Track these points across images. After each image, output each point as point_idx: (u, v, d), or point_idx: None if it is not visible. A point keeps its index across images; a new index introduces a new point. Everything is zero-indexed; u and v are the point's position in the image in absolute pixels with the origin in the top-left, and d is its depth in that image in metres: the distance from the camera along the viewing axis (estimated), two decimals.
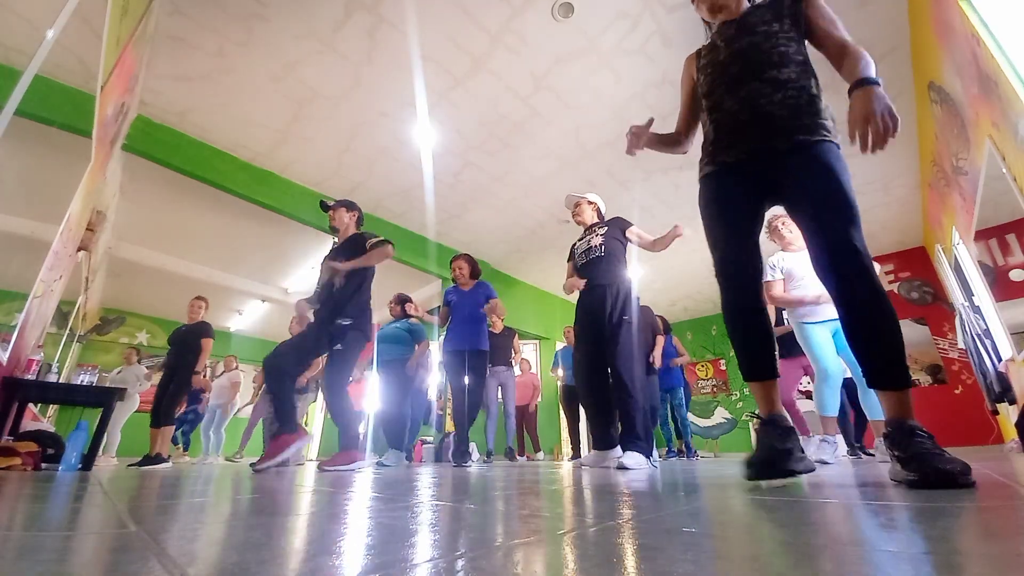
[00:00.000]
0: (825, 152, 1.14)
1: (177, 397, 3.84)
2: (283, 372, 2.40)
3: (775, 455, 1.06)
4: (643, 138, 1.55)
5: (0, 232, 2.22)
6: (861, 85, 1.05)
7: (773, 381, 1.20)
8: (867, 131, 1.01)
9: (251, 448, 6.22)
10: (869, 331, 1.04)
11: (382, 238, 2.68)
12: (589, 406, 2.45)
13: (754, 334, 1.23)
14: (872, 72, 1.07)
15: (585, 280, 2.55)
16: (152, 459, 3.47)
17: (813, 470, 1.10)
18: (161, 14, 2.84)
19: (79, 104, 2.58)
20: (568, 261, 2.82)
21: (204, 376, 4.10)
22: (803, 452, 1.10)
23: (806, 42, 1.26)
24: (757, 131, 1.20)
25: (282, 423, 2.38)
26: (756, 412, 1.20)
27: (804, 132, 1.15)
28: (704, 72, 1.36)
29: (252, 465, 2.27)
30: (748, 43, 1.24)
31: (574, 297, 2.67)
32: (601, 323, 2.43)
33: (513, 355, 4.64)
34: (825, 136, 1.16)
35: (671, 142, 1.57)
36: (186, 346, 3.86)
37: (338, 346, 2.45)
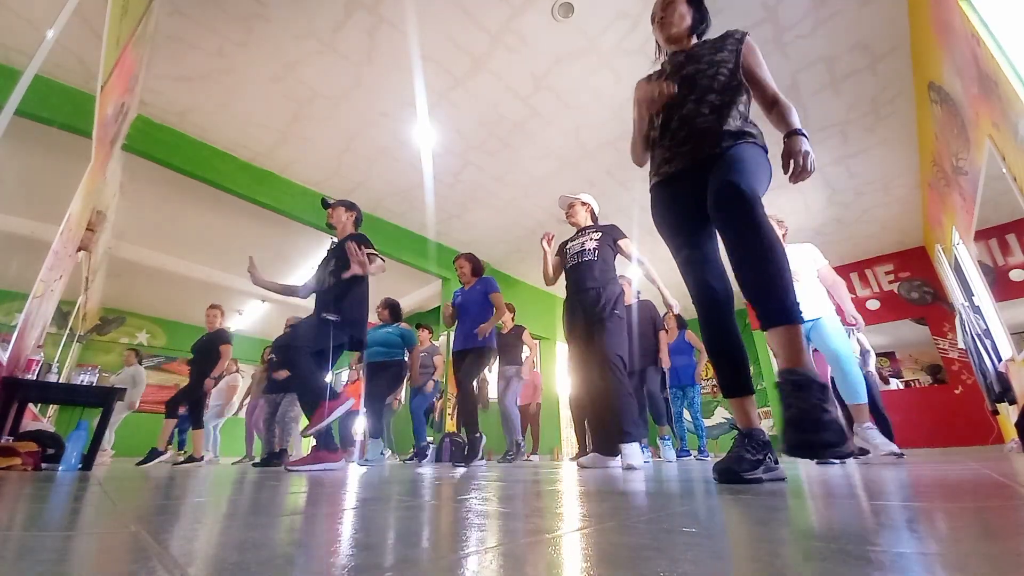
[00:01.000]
0: (742, 149, 1.27)
1: (203, 401, 4.09)
2: (298, 348, 2.32)
3: (742, 463, 1.11)
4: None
5: (0, 232, 2.22)
6: (796, 134, 1.26)
7: (749, 397, 1.25)
8: (797, 162, 1.21)
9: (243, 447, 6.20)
10: (751, 264, 1.08)
11: (370, 251, 2.60)
12: (591, 409, 2.46)
13: (726, 354, 1.30)
14: (799, 123, 1.29)
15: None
16: (191, 458, 3.84)
17: (783, 479, 1.15)
18: (161, 14, 2.84)
19: (79, 104, 2.58)
20: (556, 255, 2.80)
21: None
22: (776, 464, 1.15)
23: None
24: (692, 144, 1.35)
25: (309, 412, 2.27)
26: (735, 424, 1.19)
27: (730, 139, 1.30)
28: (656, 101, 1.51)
29: (287, 466, 2.31)
30: (694, 70, 1.41)
31: None
32: (592, 322, 2.45)
33: (527, 351, 4.57)
34: (748, 140, 1.29)
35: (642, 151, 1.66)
36: (207, 353, 4.08)
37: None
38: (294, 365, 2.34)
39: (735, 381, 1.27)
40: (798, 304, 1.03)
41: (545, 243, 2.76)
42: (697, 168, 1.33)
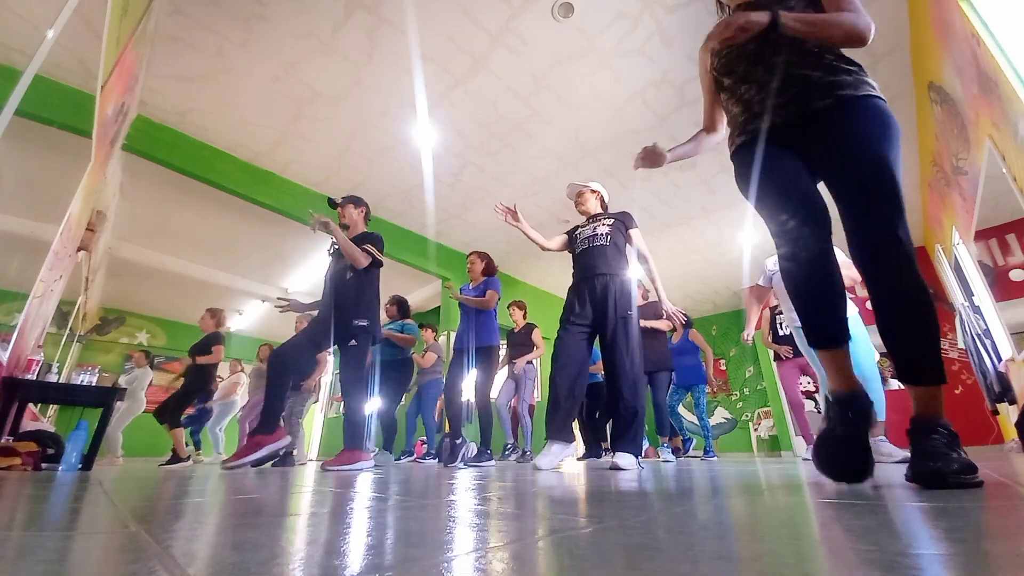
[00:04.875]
0: (871, 113, 1.05)
1: (183, 401, 4.11)
2: (287, 367, 2.39)
3: (854, 449, 0.96)
4: (659, 158, 1.57)
5: (0, 232, 2.22)
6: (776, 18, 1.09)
7: (843, 350, 1.05)
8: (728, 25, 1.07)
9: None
10: (908, 325, 0.97)
11: (375, 256, 2.68)
12: (562, 395, 2.28)
13: (821, 286, 1.09)
14: (807, 22, 1.08)
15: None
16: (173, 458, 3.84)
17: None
18: (161, 14, 2.84)
19: (79, 104, 2.59)
20: (565, 234, 2.73)
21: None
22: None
23: None
24: (792, 92, 1.13)
25: (263, 421, 2.31)
26: (827, 393, 1.04)
27: (846, 87, 1.08)
28: (720, 54, 1.30)
29: (223, 463, 2.26)
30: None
31: None
32: (601, 314, 2.35)
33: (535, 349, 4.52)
34: (871, 91, 1.07)
35: (693, 142, 1.54)
36: (203, 355, 4.14)
37: (352, 343, 2.48)
38: (278, 384, 2.36)
39: (831, 326, 1.07)
40: (943, 362, 0.97)
41: (510, 219, 2.58)
42: (798, 122, 1.13)
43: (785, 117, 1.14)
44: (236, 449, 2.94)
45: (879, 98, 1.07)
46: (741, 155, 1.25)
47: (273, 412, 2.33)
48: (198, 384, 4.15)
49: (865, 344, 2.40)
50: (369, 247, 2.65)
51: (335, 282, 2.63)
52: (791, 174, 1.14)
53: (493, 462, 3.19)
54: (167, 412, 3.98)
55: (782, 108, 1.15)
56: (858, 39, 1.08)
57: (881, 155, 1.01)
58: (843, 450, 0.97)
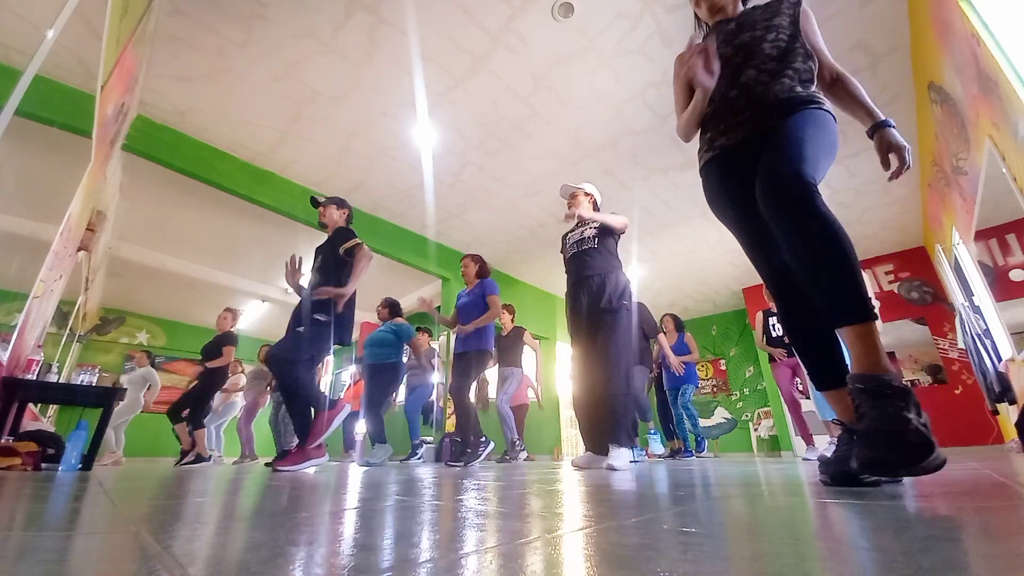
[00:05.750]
0: (806, 114, 1.14)
1: (201, 401, 4.15)
2: (296, 362, 2.39)
3: (850, 463, 0.98)
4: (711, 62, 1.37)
5: (0, 232, 2.22)
6: (887, 125, 1.14)
7: (843, 390, 1.08)
8: (903, 158, 1.10)
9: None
10: (821, 261, 0.95)
11: (355, 241, 2.62)
12: (582, 415, 2.36)
13: (810, 340, 1.14)
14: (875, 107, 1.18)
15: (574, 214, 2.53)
16: (193, 458, 3.91)
17: (900, 480, 1.00)
18: (161, 14, 2.84)
19: (79, 104, 2.59)
20: (561, 252, 2.78)
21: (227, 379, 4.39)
22: None
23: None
24: (753, 113, 1.21)
25: (306, 425, 2.35)
26: (836, 419, 1.08)
27: (798, 103, 1.16)
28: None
29: (274, 466, 2.32)
30: (750, 37, 1.27)
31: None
32: (596, 308, 2.37)
33: (530, 353, 4.56)
34: (818, 104, 1.16)
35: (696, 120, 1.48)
36: (213, 356, 4.19)
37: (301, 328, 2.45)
38: (293, 379, 2.37)
39: (829, 370, 1.11)
40: (870, 298, 0.92)
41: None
42: (759, 140, 1.21)
43: (743, 136, 1.24)
44: (242, 449, 2.85)
45: (821, 108, 1.16)
46: (706, 174, 1.34)
47: (317, 400, 2.39)
48: (215, 383, 4.19)
49: None
50: (347, 246, 2.61)
51: (323, 276, 2.61)
52: (768, 233, 1.19)
53: (486, 451, 3.20)
54: (182, 413, 4.03)
55: (740, 127, 1.24)
56: None
57: (797, 133, 1.09)
58: (842, 466, 1.01)
